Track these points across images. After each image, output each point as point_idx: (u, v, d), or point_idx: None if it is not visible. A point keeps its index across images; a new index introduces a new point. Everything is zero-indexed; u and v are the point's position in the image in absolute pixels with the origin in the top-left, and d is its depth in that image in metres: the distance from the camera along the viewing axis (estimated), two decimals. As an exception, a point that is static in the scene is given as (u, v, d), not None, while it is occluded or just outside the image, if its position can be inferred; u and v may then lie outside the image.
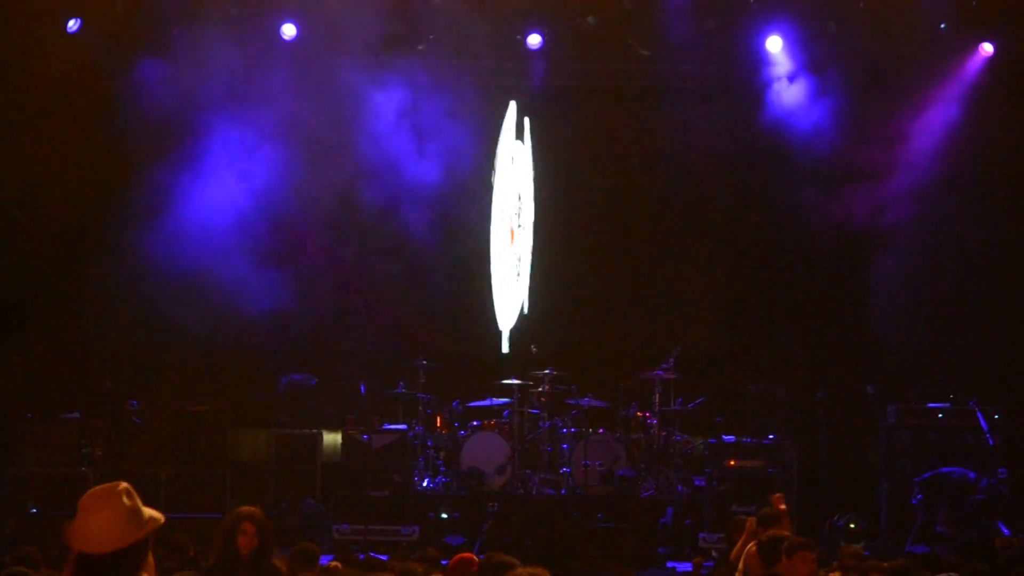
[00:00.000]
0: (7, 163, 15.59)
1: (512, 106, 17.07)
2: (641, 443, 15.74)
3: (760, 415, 15.74)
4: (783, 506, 9.54)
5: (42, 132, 15.42)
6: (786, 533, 8.44)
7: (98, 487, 4.59)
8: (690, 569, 13.54)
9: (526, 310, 17.02)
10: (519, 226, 17.25)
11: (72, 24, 15.55)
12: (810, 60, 16.24)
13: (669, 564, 13.95)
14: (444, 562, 9.25)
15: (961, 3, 15.83)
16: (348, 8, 15.81)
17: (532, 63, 16.88)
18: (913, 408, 15.46)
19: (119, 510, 4.52)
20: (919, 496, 14.70)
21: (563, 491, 15.46)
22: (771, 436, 15.42)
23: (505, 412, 15.82)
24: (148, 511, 4.60)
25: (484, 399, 16.00)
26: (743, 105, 16.91)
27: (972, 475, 14.69)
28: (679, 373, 15.72)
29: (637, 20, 16.17)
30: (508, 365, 16.11)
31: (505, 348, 16.97)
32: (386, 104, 16.11)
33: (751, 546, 8.76)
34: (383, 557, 9.26)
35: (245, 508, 7.15)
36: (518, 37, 16.38)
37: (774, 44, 16.23)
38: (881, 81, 16.29)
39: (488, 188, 17.03)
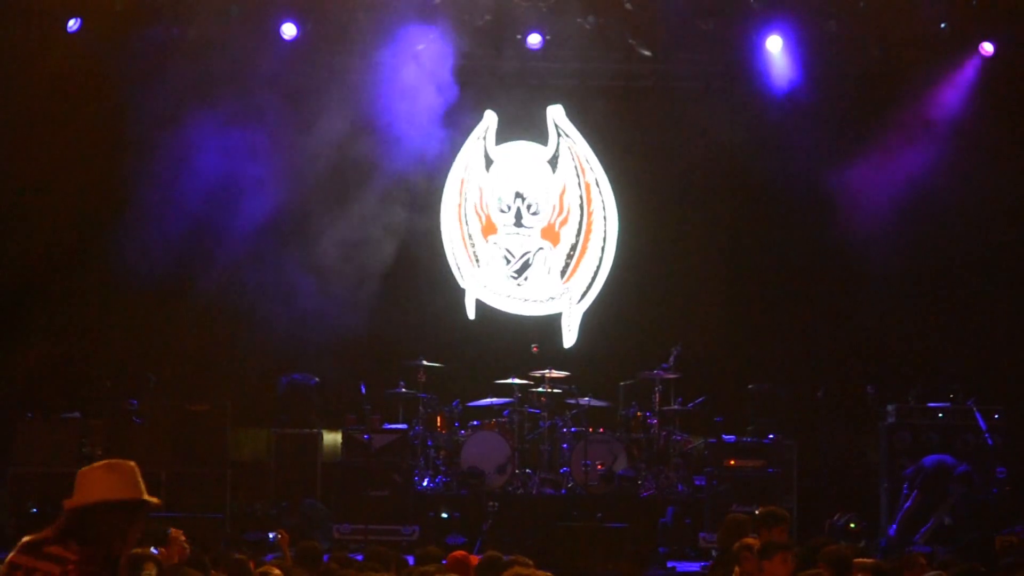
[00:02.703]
0: (7, 163, 15.59)
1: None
2: (641, 443, 15.75)
3: (760, 415, 15.73)
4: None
5: (42, 132, 15.42)
6: (750, 541, 8.38)
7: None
8: (692, 569, 13.59)
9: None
10: (516, 224, 17.27)
11: (72, 24, 15.53)
12: (810, 60, 16.24)
13: (669, 564, 13.95)
14: (444, 561, 9.28)
15: (961, 3, 15.83)
16: (348, 7, 15.83)
17: (530, 63, 16.91)
18: (913, 408, 15.46)
19: (103, 471, 4.82)
20: (905, 489, 14.73)
21: (563, 491, 15.47)
22: (771, 436, 15.41)
23: (505, 412, 15.83)
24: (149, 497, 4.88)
25: (484, 399, 16.02)
26: (743, 105, 16.91)
27: (950, 460, 14.70)
28: (679, 373, 15.73)
29: (637, 20, 16.15)
30: (506, 365, 16.06)
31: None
32: (383, 102, 16.09)
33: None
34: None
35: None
36: (518, 37, 16.38)
37: (774, 44, 16.22)
38: (881, 80, 16.29)
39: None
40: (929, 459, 14.73)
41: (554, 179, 17.35)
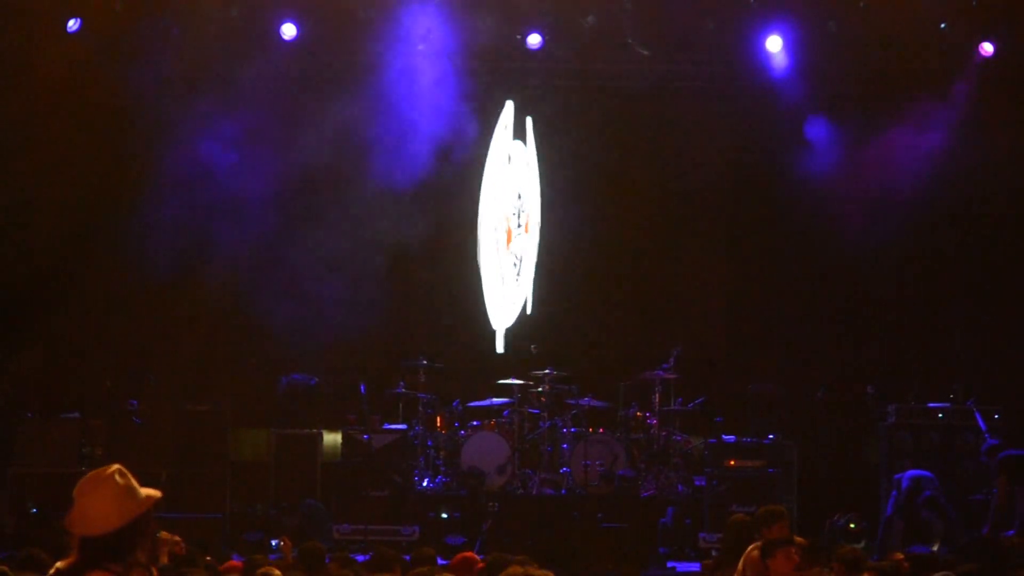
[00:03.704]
0: (7, 163, 15.59)
1: (509, 105, 17.11)
2: (641, 443, 15.75)
3: (760, 415, 15.73)
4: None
5: (42, 132, 15.43)
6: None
7: (91, 472, 4.78)
8: (692, 569, 13.59)
9: (529, 310, 17.07)
10: (519, 226, 17.27)
11: (72, 24, 15.54)
12: (810, 60, 16.24)
13: (669, 564, 13.95)
14: (441, 561, 9.28)
15: (961, 3, 15.82)
16: (349, 6, 15.83)
17: (532, 63, 16.90)
18: (913, 408, 15.45)
19: (113, 491, 4.72)
20: (894, 492, 14.71)
21: (563, 491, 15.46)
22: (771, 436, 15.41)
23: (505, 412, 15.83)
24: (144, 490, 4.79)
25: (484, 399, 16.02)
26: (743, 105, 16.91)
27: (925, 478, 14.57)
28: (679, 373, 15.72)
29: (637, 20, 16.16)
30: (506, 365, 16.10)
31: (500, 348, 17.00)
32: (382, 101, 16.09)
33: (752, 548, 8.72)
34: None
35: None
36: (518, 37, 16.38)
37: (774, 44, 16.22)
38: (881, 80, 16.28)
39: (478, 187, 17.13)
40: (908, 475, 14.62)
41: (530, 175, 17.36)
